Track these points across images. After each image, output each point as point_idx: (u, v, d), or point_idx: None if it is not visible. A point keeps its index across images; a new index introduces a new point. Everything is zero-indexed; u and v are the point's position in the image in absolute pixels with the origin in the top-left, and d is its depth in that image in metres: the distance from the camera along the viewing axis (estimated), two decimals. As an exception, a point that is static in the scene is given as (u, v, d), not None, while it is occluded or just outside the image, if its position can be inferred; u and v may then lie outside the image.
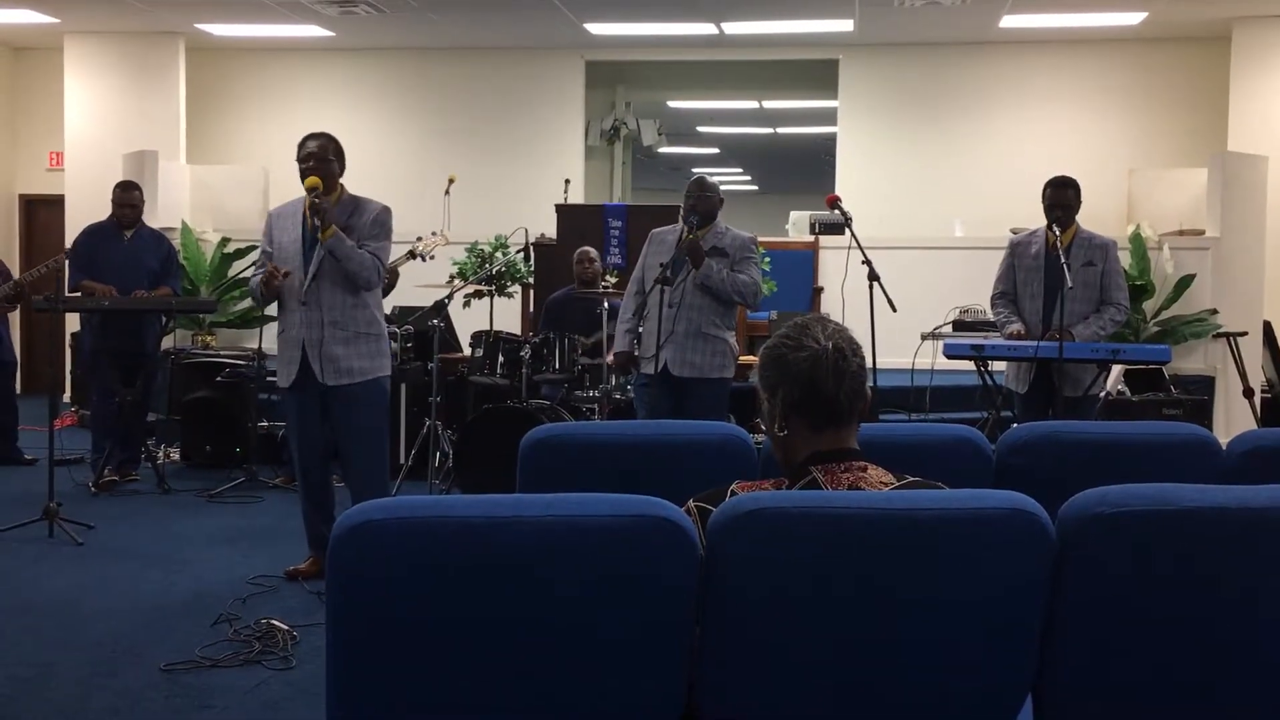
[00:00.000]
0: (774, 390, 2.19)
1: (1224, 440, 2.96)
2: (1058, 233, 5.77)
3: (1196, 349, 9.02)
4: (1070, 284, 5.61)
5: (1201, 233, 9.52)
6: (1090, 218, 6.25)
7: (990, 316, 6.49)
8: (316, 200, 5.08)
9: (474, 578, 1.90)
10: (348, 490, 5.42)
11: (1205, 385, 8.60)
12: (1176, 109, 10.96)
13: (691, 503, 2.15)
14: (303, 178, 5.18)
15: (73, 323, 9.30)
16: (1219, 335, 8.61)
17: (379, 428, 5.43)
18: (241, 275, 9.53)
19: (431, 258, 7.30)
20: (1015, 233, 6.31)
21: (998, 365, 6.24)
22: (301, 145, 5.27)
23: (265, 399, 7.79)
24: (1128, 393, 7.88)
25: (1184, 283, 9.07)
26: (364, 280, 5.21)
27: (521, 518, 1.90)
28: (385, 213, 5.34)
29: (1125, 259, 9.19)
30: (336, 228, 5.12)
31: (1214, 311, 9.00)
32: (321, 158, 5.21)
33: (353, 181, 5.46)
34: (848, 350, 2.16)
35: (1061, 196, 5.86)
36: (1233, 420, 8.50)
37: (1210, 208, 9.39)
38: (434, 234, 7.29)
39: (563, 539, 1.90)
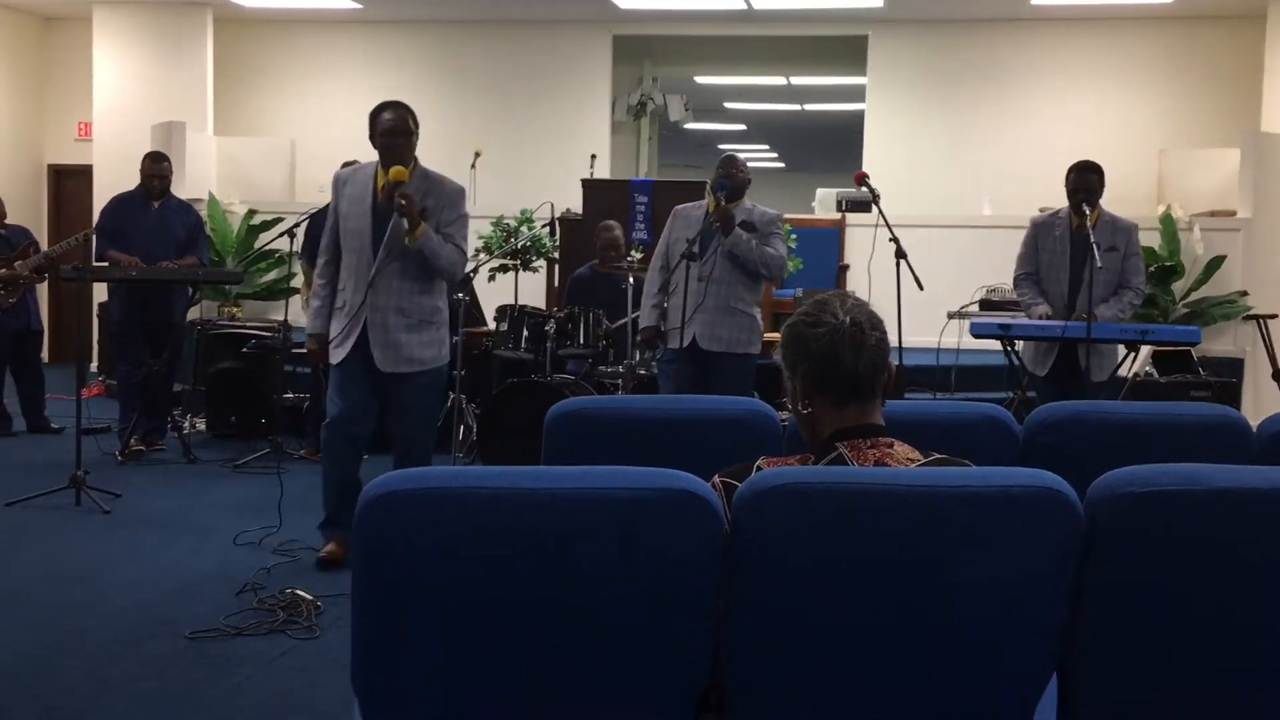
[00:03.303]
0: (795, 368, 2.19)
1: (1254, 423, 2.94)
2: (1087, 212, 5.75)
3: (1226, 331, 8.96)
4: (1100, 264, 5.58)
5: (1233, 214, 9.44)
6: (1120, 198, 6.22)
7: (1015, 297, 6.46)
8: (403, 198, 4.81)
9: (499, 549, 1.90)
10: (394, 462, 5.25)
11: (1234, 367, 8.53)
12: (1209, 88, 10.84)
13: (717, 478, 2.15)
14: (382, 154, 4.93)
15: (100, 292, 9.36)
16: (1249, 317, 8.53)
17: (433, 414, 5.38)
18: (270, 247, 9.50)
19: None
20: (1043, 212, 6.27)
21: (1020, 346, 6.22)
22: (377, 117, 4.97)
23: (290, 370, 7.82)
24: (1156, 374, 7.83)
25: (1214, 264, 9.00)
26: (449, 275, 5.06)
27: (547, 489, 1.90)
28: (461, 195, 5.10)
29: (1155, 239, 9.14)
30: (425, 225, 4.90)
31: (1244, 293, 8.93)
32: (404, 131, 4.92)
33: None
34: (866, 325, 2.15)
35: (1085, 181, 5.83)
36: (1261, 402, 8.44)
37: (1242, 188, 9.30)
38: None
39: (588, 511, 1.90)
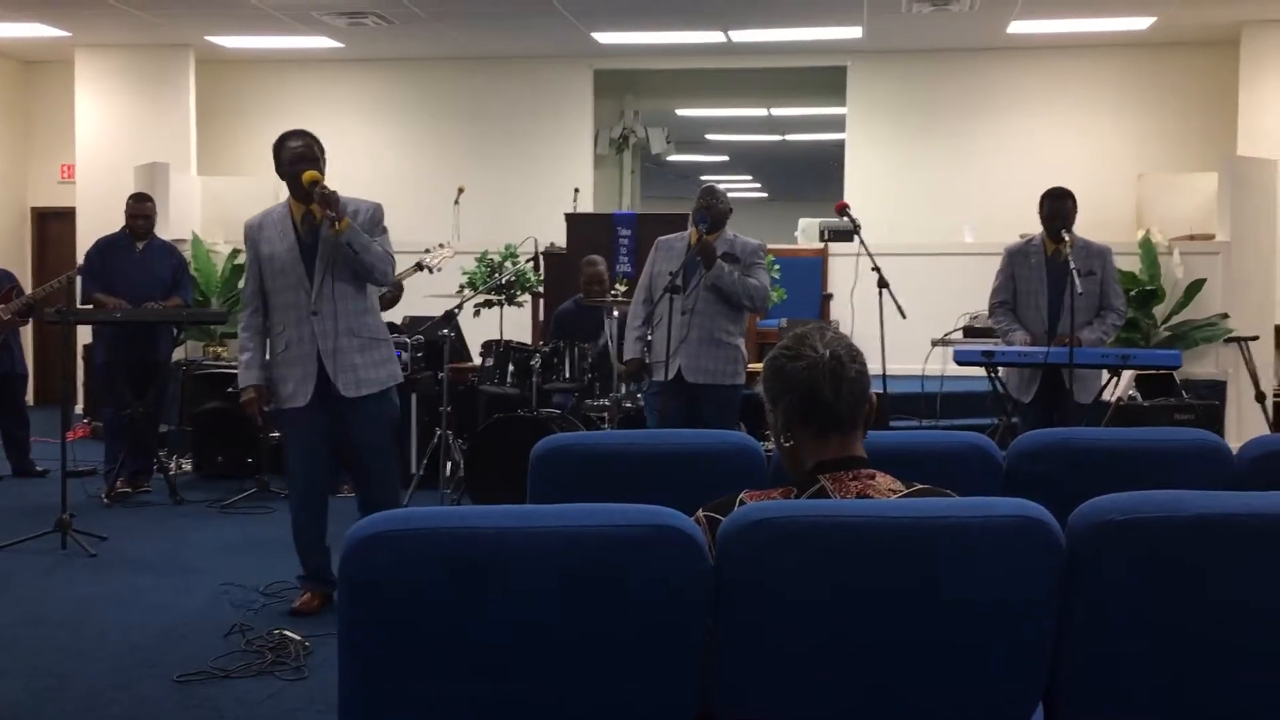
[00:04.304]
0: (776, 401, 2.20)
1: (1236, 445, 2.96)
2: (1067, 238, 5.79)
3: (1208, 353, 9.00)
4: (1080, 290, 5.62)
5: (1211, 237, 9.51)
6: (1100, 223, 6.28)
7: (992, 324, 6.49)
8: (324, 191, 4.77)
9: (484, 589, 1.90)
10: (358, 501, 5.23)
11: (1217, 390, 8.57)
12: (1186, 113, 10.95)
13: (701, 512, 2.16)
14: (293, 178, 4.88)
15: (85, 334, 9.35)
16: (1230, 339, 8.59)
17: (390, 440, 5.26)
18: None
19: (439, 270, 7.30)
20: (1023, 238, 6.31)
21: (1004, 372, 6.25)
22: (282, 147, 4.96)
23: (276, 409, 7.79)
24: (1139, 398, 7.87)
25: (1194, 287, 9.06)
26: (380, 272, 4.96)
27: (531, 529, 1.91)
28: (379, 210, 5.04)
29: (1135, 264, 9.20)
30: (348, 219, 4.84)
31: (1225, 316, 8.98)
32: (310, 156, 4.90)
33: (362, 191, 5.26)
34: (845, 357, 2.16)
35: (1060, 208, 5.89)
36: (1245, 424, 8.48)
37: (1220, 212, 9.37)
38: (441, 246, 7.30)
39: (573, 549, 1.91)
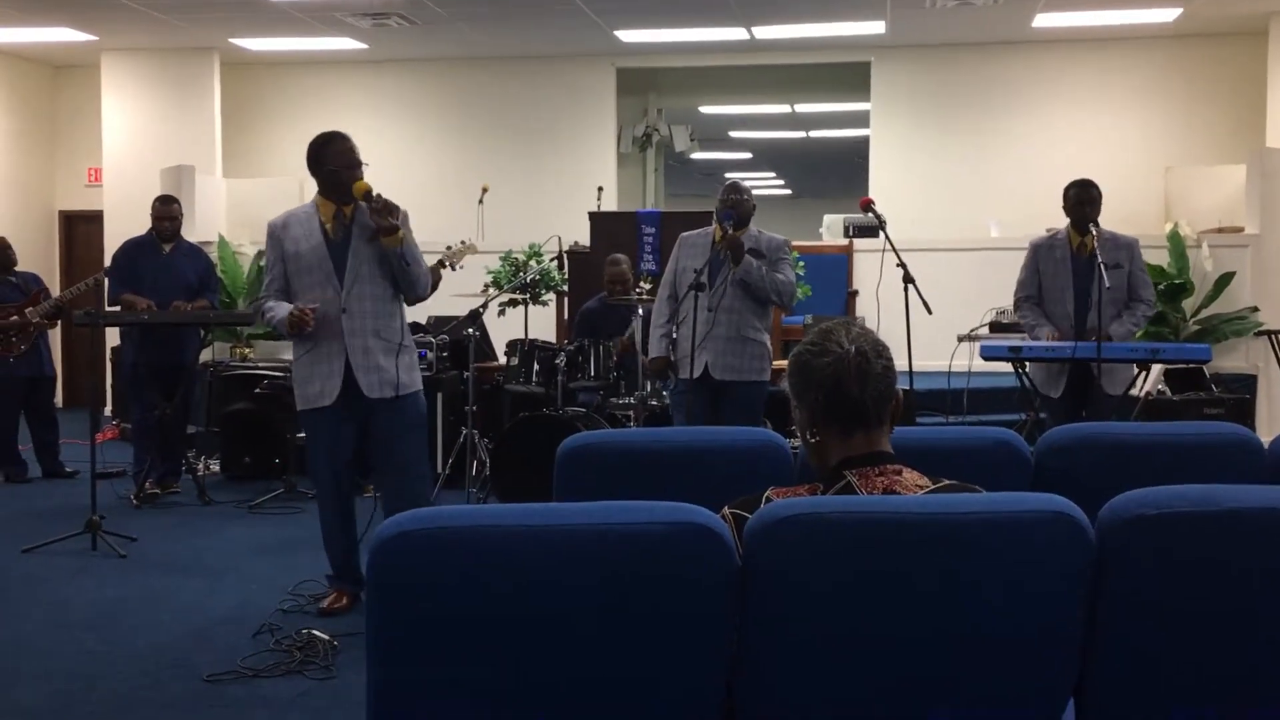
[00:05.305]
0: (801, 397, 2.19)
1: (1268, 439, 2.93)
2: (1094, 232, 5.76)
3: (1237, 347, 8.93)
4: (1109, 284, 5.58)
5: (1240, 230, 9.44)
6: (1127, 216, 6.24)
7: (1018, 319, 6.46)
8: (382, 201, 4.72)
9: (511, 587, 1.90)
10: (383, 505, 5.08)
11: (1247, 384, 8.51)
12: (1213, 105, 10.87)
13: (727, 510, 2.15)
14: (347, 181, 4.81)
15: (113, 336, 9.39)
16: (1260, 333, 8.53)
17: (423, 446, 5.21)
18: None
19: (461, 267, 7.30)
20: (1049, 233, 6.27)
21: (1031, 367, 6.21)
22: (326, 147, 4.87)
23: (301, 410, 7.81)
24: (1168, 392, 7.82)
25: (1223, 280, 8.99)
26: (423, 286, 4.96)
27: (557, 527, 1.91)
28: (406, 216, 4.97)
29: (1164, 257, 9.13)
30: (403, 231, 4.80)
31: (1255, 309, 8.92)
32: (359, 163, 4.87)
33: (387, 192, 5.09)
34: (871, 353, 2.15)
35: (1087, 194, 5.86)
36: (1276, 418, 8.42)
37: (1249, 204, 9.31)
38: (462, 243, 7.30)
39: (599, 548, 1.90)
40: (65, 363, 11.58)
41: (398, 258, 4.82)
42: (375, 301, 4.89)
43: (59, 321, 8.41)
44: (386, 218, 4.76)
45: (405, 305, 5.10)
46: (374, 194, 4.77)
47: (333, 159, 4.86)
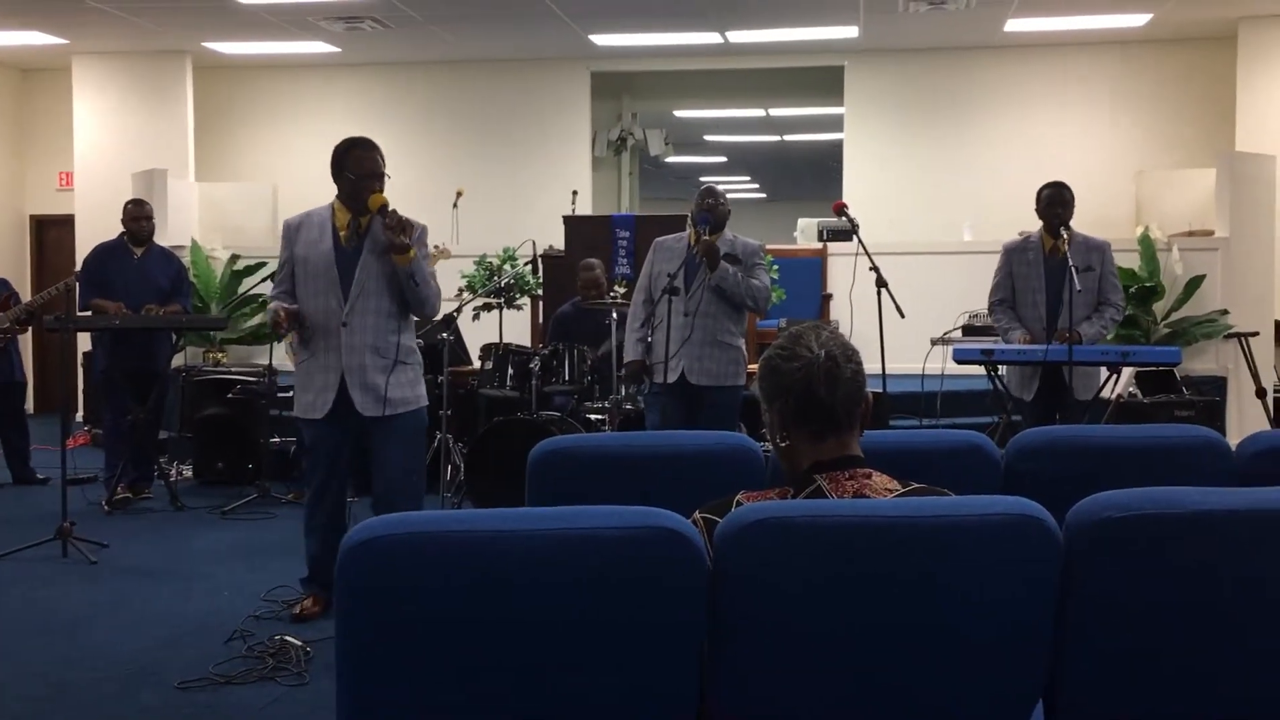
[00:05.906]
0: (771, 401, 2.20)
1: (1237, 441, 2.95)
2: (1065, 235, 5.80)
3: (1208, 350, 9.00)
4: (1079, 287, 5.62)
5: (1210, 233, 9.51)
6: (1098, 219, 6.28)
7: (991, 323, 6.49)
8: (397, 218, 4.66)
9: (482, 592, 1.90)
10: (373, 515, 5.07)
11: (1217, 386, 8.57)
12: (1183, 110, 10.95)
13: (698, 514, 2.15)
14: (353, 194, 4.75)
15: (84, 342, 9.36)
16: (1230, 335, 8.58)
17: (419, 461, 5.13)
18: (254, 291, 9.49)
19: (432, 272, 7.27)
20: (1022, 236, 6.31)
21: (1004, 370, 6.24)
22: (349, 154, 4.78)
23: (276, 415, 7.81)
24: (1139, 395, 7.86)
25: (1194, 283, 9.05)
26: (431, 307, 4.89)
27: (527, 531, 1.91)
28: (425, 231, 4.93)
29: (1135, 260, 9.19)
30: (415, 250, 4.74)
31: (1225, 312, 8.98)
32: (381, 174, 4.79)
33: None
34: (840, 357, 2.16)
35: (1060, 196, 5.90)
36: (1245, 421, 8.48)
37: (1219, 208, 9.38)
38: (436, 247, 7.27)
39: (570, 552, 1.90)
40: (36, 368, 11.50)
41: (406, 276, 4.76)
42: (378, 316, 4.81)
43: (30, 327, 8.35)
44: (399, 235, 4.69)
45: (412, 320, 5.02)
46: (390, 209, 4.70)
47: (352, 166, 4.78)
